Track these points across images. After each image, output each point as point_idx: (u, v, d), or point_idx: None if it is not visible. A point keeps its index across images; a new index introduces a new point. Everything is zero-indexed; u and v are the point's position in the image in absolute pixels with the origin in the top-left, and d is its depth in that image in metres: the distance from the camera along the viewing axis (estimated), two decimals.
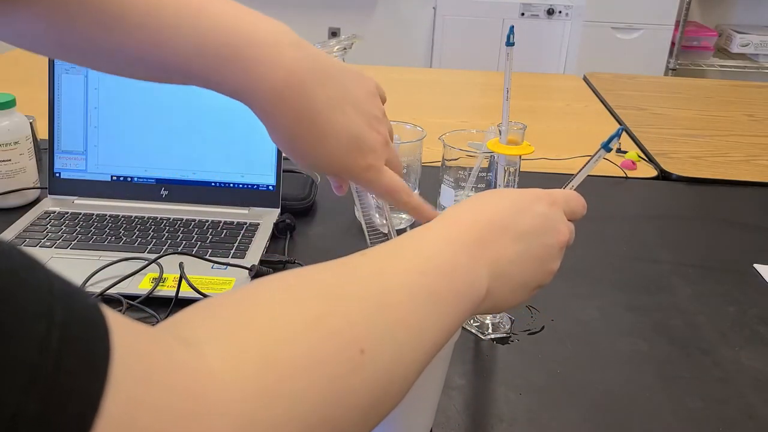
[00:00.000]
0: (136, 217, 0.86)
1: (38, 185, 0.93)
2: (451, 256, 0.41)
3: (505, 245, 0.44)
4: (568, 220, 0.50)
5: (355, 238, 0.88)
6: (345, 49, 0.61)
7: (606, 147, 0.52)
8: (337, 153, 0.51)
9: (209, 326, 0.31)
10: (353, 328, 0.33)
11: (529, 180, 0.74)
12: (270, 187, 0.89)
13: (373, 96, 0.54)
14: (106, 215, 0.86)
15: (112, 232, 0.82)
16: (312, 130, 0.50)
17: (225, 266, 0.76)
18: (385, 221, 0.62)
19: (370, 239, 0.60)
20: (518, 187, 0.65)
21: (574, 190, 0.54)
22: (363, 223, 0.62)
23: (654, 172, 1.14)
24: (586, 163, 0.54)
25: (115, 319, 0.25)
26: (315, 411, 0.30)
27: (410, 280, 0.38)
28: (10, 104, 0.88)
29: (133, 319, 0.26)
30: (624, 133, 1.32)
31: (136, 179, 0.89)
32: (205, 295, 0.70)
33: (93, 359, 0.23)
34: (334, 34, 3.40)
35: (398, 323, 0.36)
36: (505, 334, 0.70)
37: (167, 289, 0.71)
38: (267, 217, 0.87)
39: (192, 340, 0.29)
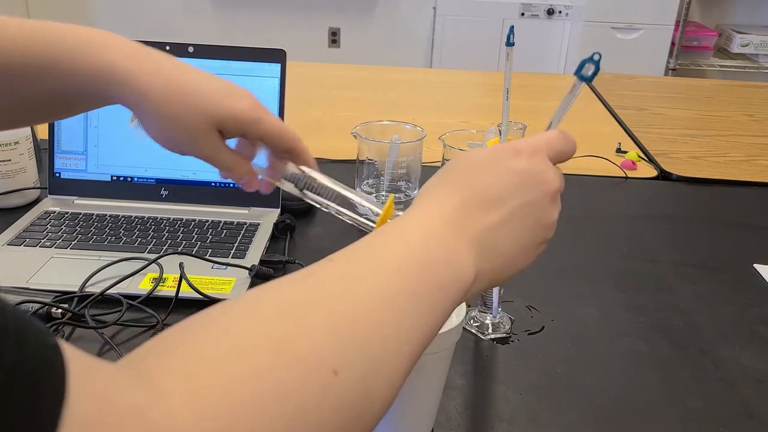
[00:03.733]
0: (136, 217, 0.86)
1: (38, 185, 0.93)
2: (425, 249, 0.38)
3: (482, 217, 0.41)
4: (557, 163, 0.46)
5: (355, 238, 0.88)
6: None
7: (579, 75, 0.44)
8: (216, 99, 0.53)
9: (172, 359, 0.30)
10: (320, 350, 0.32)
11: None
12: None
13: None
14: (106, 215, 0.86)
15: (112, 232, 0.82)
16: (182, 90, 0.52)
17: (225, 266, 0.76)
18: (347, 211, 0.54)
19: (354, 224, 0.54)
20: None
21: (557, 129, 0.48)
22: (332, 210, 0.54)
23: (654, 172, 1.14)
24: (564, 99, 0.48)
25: (75, 359, 0.24)
26: None
27: (383, 282, 0.36)
28: None
29: (95, 358, 0.26)
30: (624, 133, 1.32)
31: (136, 179, 0.89)
32: (205, 295, 0.70)
33: (41, 404, 0.22)
34: (334, 34, 3.40)
35: (372, 335, 0.34)
36: (505, 334, 0.70)
37: (167, 289, 0.71)
38: (267, 217, 0.87)
39: (153, 376, 0.28)
